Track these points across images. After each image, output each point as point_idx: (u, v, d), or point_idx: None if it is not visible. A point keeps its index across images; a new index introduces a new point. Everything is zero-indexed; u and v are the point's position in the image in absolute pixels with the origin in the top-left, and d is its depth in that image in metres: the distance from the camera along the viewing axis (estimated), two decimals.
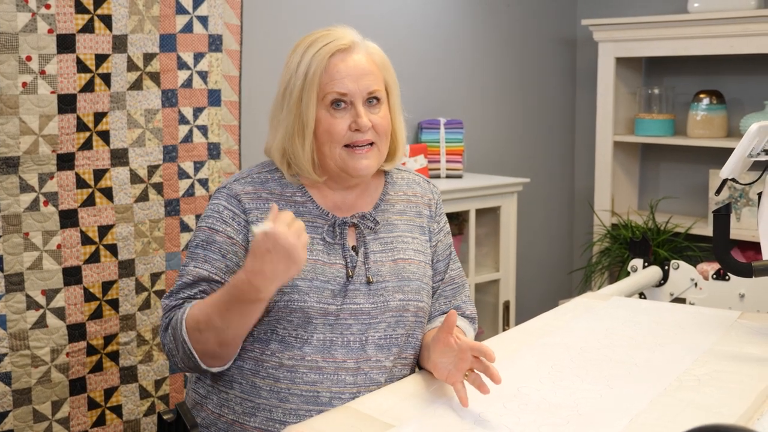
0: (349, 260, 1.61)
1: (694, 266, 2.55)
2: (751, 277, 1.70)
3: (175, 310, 1.57)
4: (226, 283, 1.54)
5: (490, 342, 1.91)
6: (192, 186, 2.48)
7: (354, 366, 1.57)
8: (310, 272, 1.57)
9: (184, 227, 2.47)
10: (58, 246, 2.22)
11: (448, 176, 3.28)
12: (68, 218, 2.24)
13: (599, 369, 1.68)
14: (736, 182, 1.89)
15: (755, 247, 3.42)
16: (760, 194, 1.95)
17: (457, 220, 3.31)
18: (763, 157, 1.90)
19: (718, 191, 1.87)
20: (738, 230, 3.43)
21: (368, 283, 1.61)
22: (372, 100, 1.60)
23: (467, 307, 1.80)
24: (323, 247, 1.61)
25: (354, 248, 1.63)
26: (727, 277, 2.43)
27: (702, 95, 3.57)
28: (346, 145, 1.59)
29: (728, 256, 1.74)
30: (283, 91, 1.63)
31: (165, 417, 1.16)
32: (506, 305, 3.33)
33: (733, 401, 1.50)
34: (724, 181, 1.88)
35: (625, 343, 1.84)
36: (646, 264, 2.55)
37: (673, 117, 3.71)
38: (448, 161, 3.27)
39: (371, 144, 1.60)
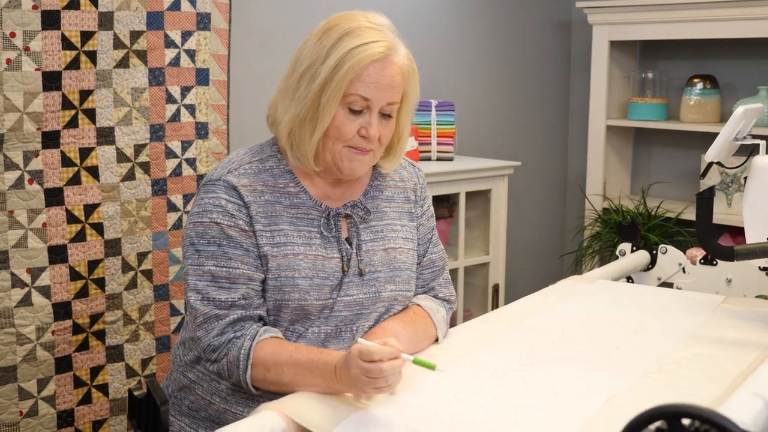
0: (344, 253, 1.61)
1: (684, 251, 2.54)
2: (734, 260, 1.70)
3: (231, 345, 1.51)
4: (261, 280, 1.54)
5: (472, 323, 1.91)
6: (179, 165, 2.47)
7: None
8: (311, 269, 1.57)
9: (171, 207, 2.47)
10: (44, 224, 2.22)
11: (438, 159, 3.28)
12: (53, 197, 2.23)
13: (579, 351, 1.68)
14: (722, 166, 1.89)
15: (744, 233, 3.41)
16: (746, 177, 1.95)
17: (447, 203, 3.30)
18: (749, 141, 1.89)
19: (703, 174, 1.86)
20: (728, 215, 3.42)
21: (361, 275, 1.61)
22: (387, 115, 1.58)
23: (442, 289, 1.79)
24: (321, 241, 1.60)
25: (347, 240, 1.63)
26: (714, 262, 2.43)
27: (696, 80, 3.56)
28: (349, 146, 1.58)
29: (711, 239, 1.74)
30: (305, 69, 1.55)
31: (136, 393, 1.16)
32: (495, 288, 3.33)
33: (709, 384, 1.50)
34: (710, 165, 1.88)
35: (606, 326, 1.84)
36: (634, 248, 2.55)
37: (666, 101, 3.70)
38: (439, 144, 3.26)
39: (370, 150, 1.60)
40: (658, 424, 0.83)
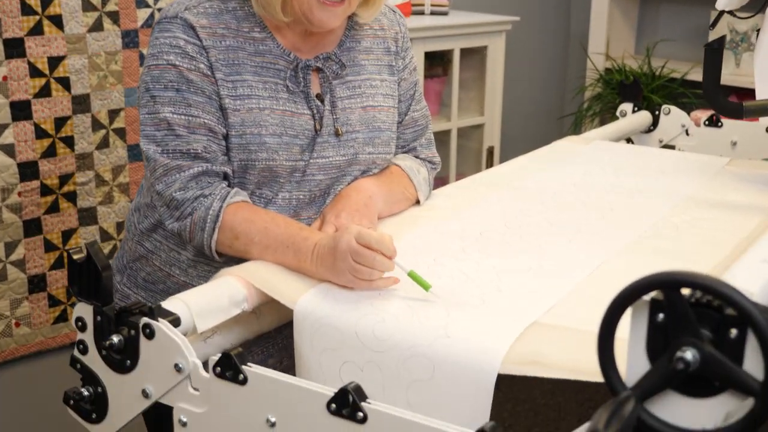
0: (315, 110, 1.45)
1: (688, 113, 2.40)
2: (742, 118, 1.57)
3: (198, 204, 1.36)
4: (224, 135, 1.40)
5: (459, 184, 1.79)
6: (152, 16, 2.30)
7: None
8: (279, 126, 1.41)
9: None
10: (4, 78, 2.07)
11: (432, 12, 3.08)
12: (14, 48, 2.07)
13: (571, 214, 1.57)
14: (734, 15, 1.72)
15: (753, 94, 3.25)
16: (758, 31, 1.78)
17: (441, 61, 3.13)
18: None
19: (713, 24, 1.70)
20: (736, 76, 3.25)
21: (337, 135, 1.47)
22: None
23: (423, 150, 1.65)
24: (288, 95, 1.44)
25: (319, 96, 1.47)
26: (719, 124, 2.29)
27: None
28: None
29: (718, 94, 1.60)
30: None
31: (75, 257, 1.05)
32: (490, 151, 3.21)
33: (710, 250, 1.39)
34: (720, 14, 1.71)
35: (601, 188, 1.72)
36: (635, 108, 2.40)
37: None
38: None
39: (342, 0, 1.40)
40: (653, 294, 0.72)
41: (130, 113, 2.31)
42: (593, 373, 1.03)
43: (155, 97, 1.38)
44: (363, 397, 0.93)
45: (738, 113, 1.57)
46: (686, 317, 0.70)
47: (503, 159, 3.35)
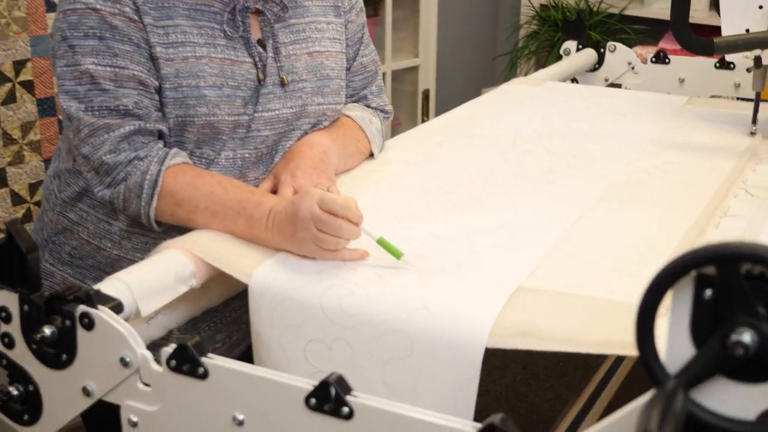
0: (257, 58, 1.29)
1: None
2: (713, 54, 1.48)
3: (132, 168, 1.20)
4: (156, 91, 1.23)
5: (410, 134, 1.67)
6: None
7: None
8: (218, 77, 1.24)
9: (51, 6, 2.09)
10: None
11: None
12: None
13: (536, 163, 1.46)
14: None
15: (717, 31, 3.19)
16: None
17: (373, 1, 2.98)
18: None
19: None
20: (696, 11, 3.16)
21: (282, 85, 1.31)
22: None
23: (374, 98, 1.51)
24: (226, 42, 1.27)
25: (260, 42, 1.31)
26: (666, 60, 2.22)
27: None
28: None
29: (686, 31, 1.50)
30: None
31: None
32: (425, 94, 3.09)
33: (688, 197, 1.31)
34: None
35: (562, 133, 1.62)
36: (580, 46, 2.31)
37: None
38: None
39: None
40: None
41: (38, 64, 2.10)
42: (592, 344, 0.94)
43: (74, 46, 1.20)
44: (347, 389, 0.81)
45: (708, 50, 1.48)
46: (742, 294, 0.60)
47: (439, 102, 3.24)
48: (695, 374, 0.62)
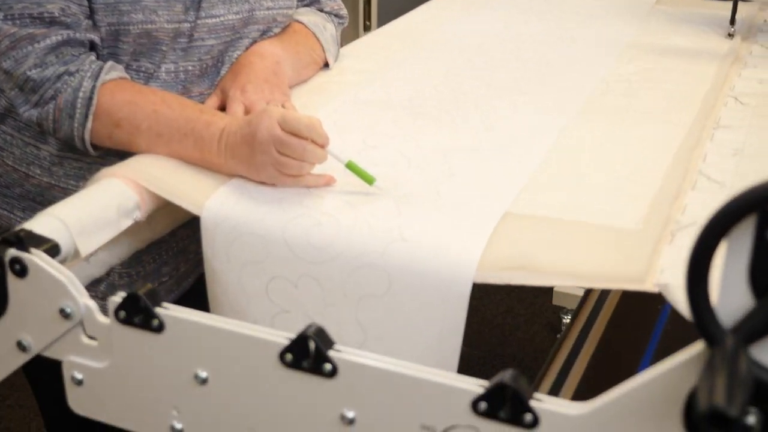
0: None
1: None
2: None
3: (63, 84, 1.04)
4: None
5: (364, 41, 1.53)
6: None
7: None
8: None
9: None
10: None
11: None
12: None
13: (507, 73, 1.35)
14: None
15: None
16: None
17: None
18: None
19: None
20: None
21: None
22: None
23: (328, 2, 1.37)
24: None
25: None
26: None
27: None
28: None
29: None
30: None
31: None
32: None
33: (676, 106, 1.21)
34: None
35: (531, 39, 1.50)
36: None
37: None
38: None
39: None
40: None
41: None
42: (596, 278, 0.85)
43: None
44: (329, 343, 0.70)
45: None
46: None
47: (382, 4, 3.07)
48: (755, 329, 0.53)
